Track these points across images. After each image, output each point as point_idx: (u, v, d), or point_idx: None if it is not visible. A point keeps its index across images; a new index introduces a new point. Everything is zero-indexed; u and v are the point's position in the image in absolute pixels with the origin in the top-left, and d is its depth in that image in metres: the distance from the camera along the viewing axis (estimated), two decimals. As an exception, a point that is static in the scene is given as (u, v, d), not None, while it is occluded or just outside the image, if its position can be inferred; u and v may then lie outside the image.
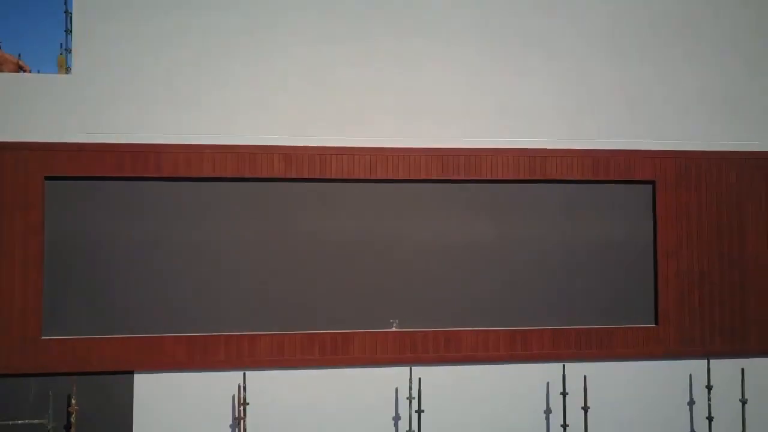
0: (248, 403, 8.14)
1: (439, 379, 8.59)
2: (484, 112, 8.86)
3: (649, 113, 9.11)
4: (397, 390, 8.54)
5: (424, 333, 8.61)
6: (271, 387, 8.32)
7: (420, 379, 8.43)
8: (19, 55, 9.26)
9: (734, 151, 9.21)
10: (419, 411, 8.33)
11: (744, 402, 8.75)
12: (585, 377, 8.59)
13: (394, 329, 8.60)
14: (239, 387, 8.17)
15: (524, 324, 8.80)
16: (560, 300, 8.87)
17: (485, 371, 8.69)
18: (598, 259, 8.96)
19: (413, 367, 8.50)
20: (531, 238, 8.87)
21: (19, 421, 7.88)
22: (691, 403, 8.97)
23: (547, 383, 8.76)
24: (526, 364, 8.76)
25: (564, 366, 8.67)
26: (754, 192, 9.19)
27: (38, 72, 9.46)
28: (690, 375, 8.98)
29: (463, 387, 8.64)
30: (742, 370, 8.83)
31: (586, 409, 8.52)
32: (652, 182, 9.08)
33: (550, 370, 8.76)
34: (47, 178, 8.07)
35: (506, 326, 8.76)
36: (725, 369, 8.98)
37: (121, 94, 8.27)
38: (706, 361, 8.90)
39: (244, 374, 8.17)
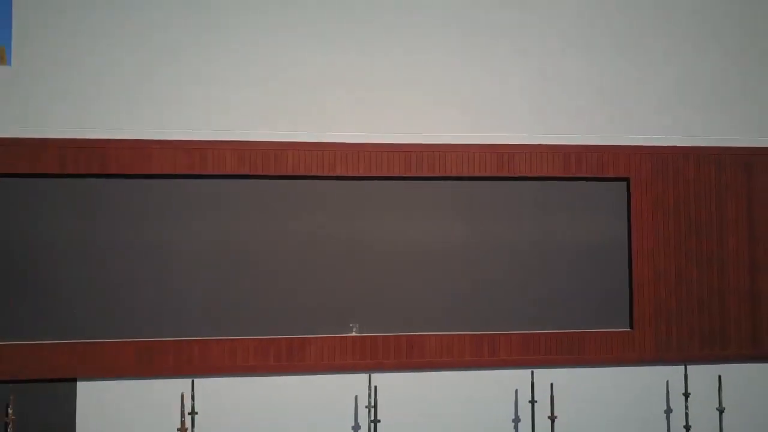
0: (197, 413, 7.70)
1: (401, 387, 8.15)
2: (449, 106, 8.43)
3: (624, 107, 8.67)
4: (356, 398, 8.11)
5: (385, 338, 8.18)
6: (222, 395, 7.90)
7: (380, 386, 8.01)
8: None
9: (714, 147, 8.77)
10: (374, 421, 7.88)
11: (721, 411, 8.31)
12: (552, 385, 8.14)
13: (353, 334, 8.17)
14: (183, 396, 7.71)
15: (492, 328, 8.36)
16: (530, 303, 8.43)
17: (450, 378, 8.26)
18: (569, 260, 8.52)
19: (374, 374, 8.07)
20: (499, 237, 8.43)
21: (-46, 433, 7.48)
22: (668, 411, 8.53)
23: (516, 391, 8.33)
24: (494, 371, 8.32)
25: (532, 372, 8.23)
26: (736, 189, 8.76)
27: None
28: (667, 382, 8.54)
29: (427, 394, 8.21)
30: (719, 377, 8.38)
31: (553, 418, 8.07)
32: (627, 179, 8.64)
33: (519, 377, 8.31)
34: (-16, 175, 7.69)
35: (473, 330, 8.32)
36: (704, 375, 8.54)
37: (62, 88, 7.85)
38: (683, 367, 8.46)
39: (192, 382, 7.74)
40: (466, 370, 8.28)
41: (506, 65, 8.54)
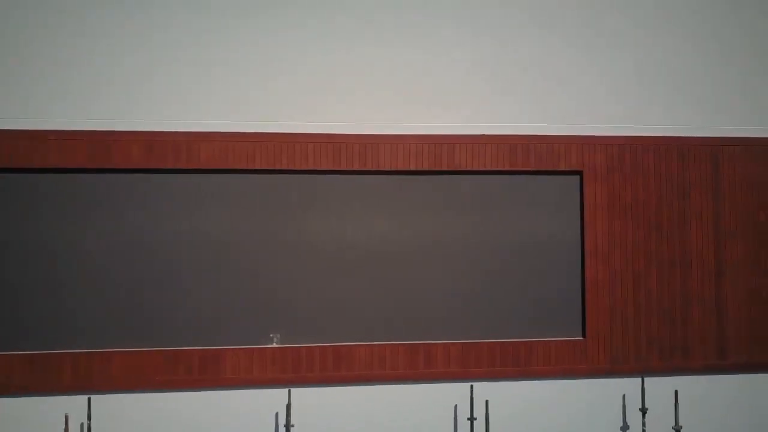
0: (95, 433, 6.96)
1: (326, 402, 7.39)
2: (382, 93, 7.64)
3: (576, 93, 7.87)
4: (277, 415, 7.34)
5: (309, 349, 7.40)
6: (126, 413, 7.14)
7: (303, 403, 7.26)
8: None
9: (677, 137, 7.97)
10: (300, 440, 7.15)
11: (678, 429, 7.52)
12: (487, 402, 7.37)
13: (274, 345, 7.40)
14: (67, 417, 6.95)
15: (428, 337, 7.58)
16: (470, 310, 7.65)
17: (382, 392, 7.48)
18: (516, 261, 7.73)
19: (296, 389, 7.30)
20: (436, 237, 7.64)
21: None
22: (625, 428, 7.75)
23: (455, 406, 7.56)
24: (430, 384, 7.54)
25: (472, 386, 7.45)
26: (700, 181, 7.96)
27: None
28: (623, 396, 7.77)
29: (355, 410, 7.44)
30: (676, 392, 7.59)
31: (490, 438, 7.34)
32: (579, 172, 7.85)
33: (458, 391, 7.54)
34: None
35: (407, 340, 7.55)
36: (665, 389, 7.75)
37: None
38: (640, 379, 7.69)
39: (89, 399, 6.98)
40: (399, 383, 7.51)
41: (447, 49, 7.74)
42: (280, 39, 7.54)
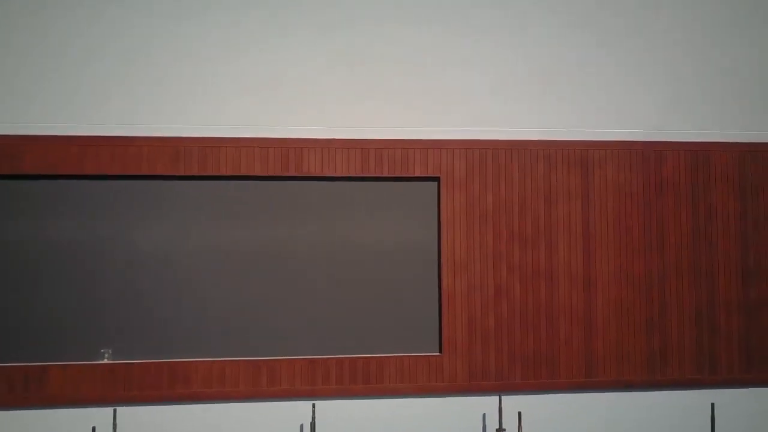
0: None
1: (159, 421, 6.97)
2: (220, 94, 7.25)
3: (434, 94, 7.47)
4: (105, 436, 6.94)
5: (143, 365, 6.99)
6: (-60, 433, 6.76)
7: (135, 422, 6.85)
8: None
9: (543, 140, 7.56)
10: (125, 463, 6.72)
11: (527, 452, 7.12)
12: (333, 422, 6.95)
13: (105, 361, 6.99)
14: None
15: (273, 353, 7.16)
16: (319, 322, 7.23)
17: (221, 411, 7.06)
18: (368, 272, 7.31)
19: (126, 407, 6.89)
20: (284, 246, 7.23)
21: None
22: (484, 448, 7.33)
23: (301, 426, 7.13)
24: (273, 402, 7.11)
25: (314, 405, 7.02)
26: (569, 188, 7.54)
27: None
28: (483, 415, 7.33)
29: (192, 431, 7.02)
30: (519, 414, 7.13)
31: (323, 462, 6.90)
32: (437, 178, 7.45)
33: (303, 410, 7.11)
34: None
35: (250, 355, 7.13)
36: (529, 407, 7.31)
37: None
38: (497, 398, 7.25)
39: None
40: (240, 401, 7.08)
41: (301, 46, 7.36)
42: (117, 41, 7.17)
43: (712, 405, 7.30)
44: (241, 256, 7.15)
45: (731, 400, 7.54)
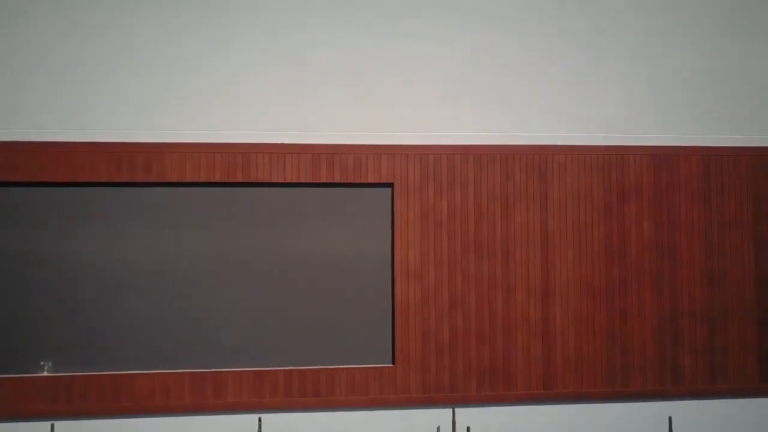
0: None
1: (101, 437, 6.78)
2: (165, 99, 7.04)
3: (388, 99, 7.26)
4: (43, 451, 6.73)
5: (85, 377, 6.78)
6: None
7: (72, 436, 6.66)
8: None
9: (499, 145, 7.35)
10: (63, 479, 6.51)
11: (477, 467, 6.90)
12: None
13: (45, 373, 6.78)
14: None
15: (217, 364, 6.95)
16: (267, 333, 7.02)
17: (165, 426, 6.84)
18: (319, 281, 7.10)
19: (65, 422, 6.68)
20: (230, 255, 7.02)
21: None
22: (438, 463, 7.12)
23: (249, 440, 6.93)
24: (220, 416, 6.90)
25: (260, 419, 6.81)
26: (526, 195, 7.33)
27: None
28: (438, 428, 7.11)
29: (140, 446, 6.83)
30: (468, 429, 6.92)
31: (264, 478, 6.69)
32: (390, 185, 7.24)
33: (251, 423, 6.90)
34: None
35: (194, 368, 6.92)
36: (484, 419, 7.10)
37: None
38: (451, 410, 7.03)
39: None
40: (185, 415, 6.87)
41: (249, 51, 7.15)
42: (61, 47, 6.98)
43: (670, 419, 7.08)
44: (186, 265, 6.94)
45: (695, 412, 7.33)
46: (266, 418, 6.89)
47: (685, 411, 7.30)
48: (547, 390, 7.21)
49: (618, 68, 7.50)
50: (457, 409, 7.07)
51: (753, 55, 7.66)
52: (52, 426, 6.61)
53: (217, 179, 7.01)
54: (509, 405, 7.17)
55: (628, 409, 7.27)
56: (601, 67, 7.50)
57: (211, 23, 7.13)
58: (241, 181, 7.04)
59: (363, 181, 7.18)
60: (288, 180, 7.09)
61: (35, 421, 6.68)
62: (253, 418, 6.87)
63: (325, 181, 7.14)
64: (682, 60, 7.57)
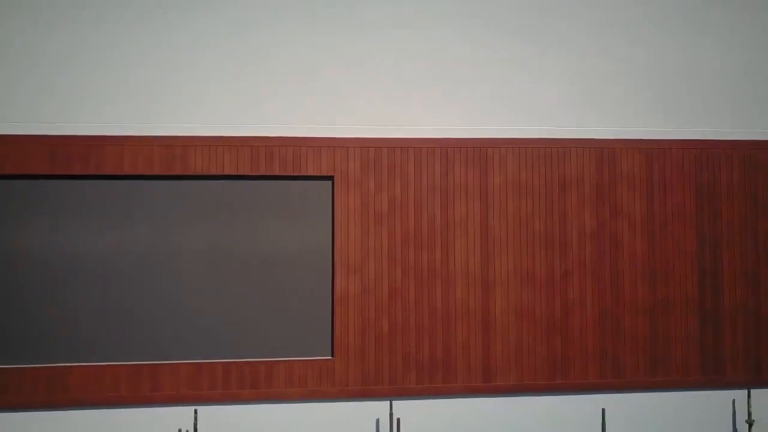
0: None
1: (37, 428, 6.73)
2: (103, 92, 7.03)
3: (327, 92, 7.27)
4: (-22, 444, 6.72)
5: (19, 370, 6.75)
6: None
7: (4, 428, 6.62)
8: None
9: (440, 138, 7.36)
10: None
11: (407, 459, 6.90)
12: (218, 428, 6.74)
13: (-20, 366, 6.78)
14: None
15: (155, 357, 6.94)
16: (204, 325, 7.01)
17: (99, 418, 6.83)
18: (258, 273, 7.10)
19: (5, 414, 6.66)
20: (168, 247, 7.02)
21: None
22: (377, 455, 7.11)
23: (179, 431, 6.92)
24: (156, 408, 6.89)
25: (196, 411, 6.80)
26: (467, 188, 7.33)
27: None
28: (377, 420, 7.11)
29: (69, 439, 6.81)
30: (398, 419, 6.92)
31: (195, 470, 6.68)
32: (331, 178, 7.24)
33: (186, 416, 6.89)
34: None
35: (130, 360, 6.91)
36: (423, 411, 7.10)
37: None
38: (388, 403, 7.03)
39: None
40: (120, 407, 6.85)
41: (187, 44, 7.14)
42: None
43: (603, 411, 7.09)
44: (124, 258, 6.93)
45: (635, 404, 7.34)
46: (204, 410, 6.88)
47: (626, 403, 7.32)
48: (486, 382, 7.21)
49: (560, 61, 7.51)
50: (396, 402, 7.08)
51: (698, 49, 7.68)
52: (-15, 418, 6.59)
53: (155, 172, 6.99)
54: (449, 397, 7.17)
55: (567, 401, 7.28)
56: (543, 59, 7.51)
57: (148, 19, 7.11)
58: (179, 173, 7.03)
59: (303, 173, 7.18)
60: (226, 172, 7.09)
61: (-33, 413, 6.67)
62: (190, 410, 6.86)
63: (264, 173, 7.14)
64: (625, 53, 7.59)
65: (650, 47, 7.63)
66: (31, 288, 6.82)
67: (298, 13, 7.27)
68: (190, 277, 7.00)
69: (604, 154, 7.51)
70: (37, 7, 6.98)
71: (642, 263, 7.47)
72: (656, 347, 7.41)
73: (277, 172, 7.15)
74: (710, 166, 7.60)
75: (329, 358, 7.11)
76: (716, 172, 7.61)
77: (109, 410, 6.83)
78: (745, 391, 7.47)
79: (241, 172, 7.10)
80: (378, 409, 7.10)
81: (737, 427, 7.45)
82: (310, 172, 7.19)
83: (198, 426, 6.81)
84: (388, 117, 7.30)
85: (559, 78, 7.50)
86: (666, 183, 7.55)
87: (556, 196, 7.42)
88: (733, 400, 7.44)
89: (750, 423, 7.37)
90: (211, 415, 6.89)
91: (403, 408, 7.08)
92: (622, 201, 7.50)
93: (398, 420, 6.87)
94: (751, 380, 7.49)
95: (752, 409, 7.47)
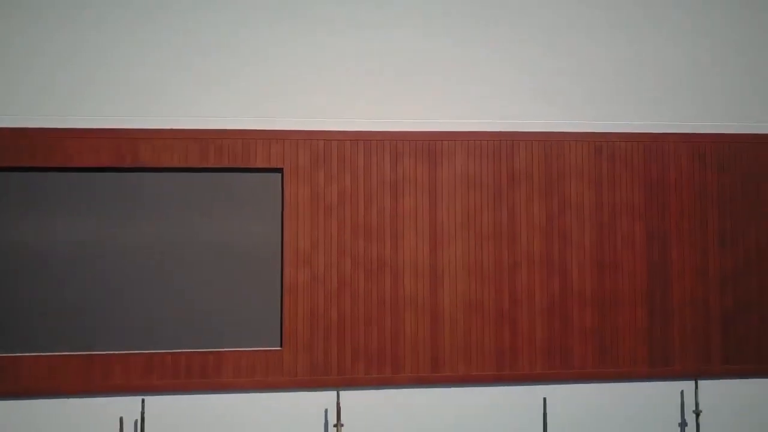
0: None
1: (-14, 419, 6.84)
2: (48, 81, 7.08)
3: (279, 84, 7.34)
4: (-72, 433, 6.79)
5: (-30, 360, 6.85)
6: None
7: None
8: None
9: (390, 131, 7.43)
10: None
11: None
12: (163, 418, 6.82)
13: (-70, 356, 6.85)
14: None
15: (105, 347, 7.01)
16: (153, 316, 7.08)
17: (51, 408, 6.89)
18: (208, 264, 7.17)
19: (-51, 404, 6.75)
20: (117, 239, 7.08)
21: None
22: (325, 444, 7.19)
23: (135, 422, 6.97)
24: (106, 398, 6.96)
25: (144, 401, 6.88)
26: (416, 180, 7.40)
27: None
28: (325, 410, 7.19)
29: (19, 428, 6.86)
30: (338, 408, 7.01)
31: (140, 459, 6.76)
32: (280, 170, 7.31)
33: (133, 406, 6.96)
34: None
35: (81, 350, 6.98)
36: (371, 401, 7.18)
37: None
38: (335, 393, 7.12)
39: None
40: (72, 397, 6.92)
41: (139, 36, 7.21)
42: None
43: (545, 399, 7.18)
44: (73, 251, 7.00)
45: (583, 395, 7.42)
46: (153, 399, 6.95)
47: (573, 393, 7.40)
48: (434, 372, 7.29)
49: (509, 54, 7.58)
50: (344, 392, 7.15)
51: (647, 44, 7.76)
52: (-66, 408, 6.67)
53: (104, 164, 7.07)
54: (397, 387, 7.25)
55: (514, 392, 7.36)
56: (492, 52, 7.58)
57: (108, 10, 7.19)
58: (128, 166, 7.10)
59: (252, 165, 7.25)
60: (176, 165, 7.16)
61: None
62: (139, 400, 6.93)
63: (213, 165, 7.21)
64: (576, 46, 7.66)
65: (600, 42, 7.71)
66: (-20, 279, 6.90)
67: (239, 5, 7.33)
68: (139, 269, 7.07)
69: (553, 146, 7.58)
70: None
71: (590, 255, 7.54)
72: (604, 338, 7.50)
73: (226, 165, 7.22)
74: (659, 158, 7.68)
75: (278, 348, 7.19)
76: (665, 164, 7.68)
77: (60, 400, 6.90)
78: (693, 382, 7.55)
79: (190, 165, 7.17)
80: (326, 399, 7.17)
81: (685, 417, 7.53)
82: (260, 165, 7.27)
83: (145, 415, 6.88)
84: (337, 110, 7.38)
85: (508, 71, 7.57)
86: (615, 176, 7.63)
87: (505, 189, 7.50)
88: (682, 391, 7.53)
89: (697, 413, 7.46)
90: (160, 404, 6.96)
91: (351, 398, 7.15)
92: (571, 193, 7.57)
93: (338, 407, 6.94)
94: (698, 371, 7.56)
95: (699, 400, 7.55)
